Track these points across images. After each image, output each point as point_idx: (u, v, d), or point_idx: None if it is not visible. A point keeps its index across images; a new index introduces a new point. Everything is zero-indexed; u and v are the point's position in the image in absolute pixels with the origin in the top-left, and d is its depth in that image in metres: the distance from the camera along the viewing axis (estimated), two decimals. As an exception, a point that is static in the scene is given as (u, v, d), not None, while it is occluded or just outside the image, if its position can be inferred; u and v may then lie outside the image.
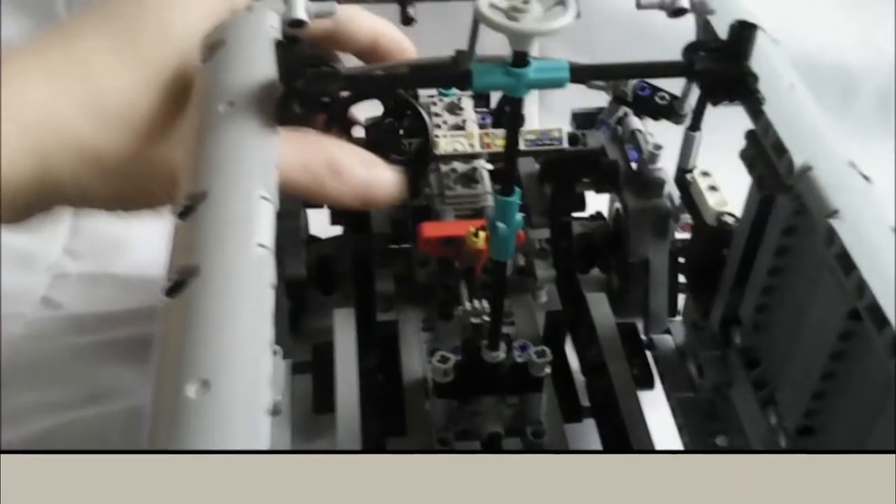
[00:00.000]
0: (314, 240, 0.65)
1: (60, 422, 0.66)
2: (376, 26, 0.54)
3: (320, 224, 0.65)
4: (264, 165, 0.37)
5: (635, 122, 0.62)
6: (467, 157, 0.59)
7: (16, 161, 0.42)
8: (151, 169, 0.46)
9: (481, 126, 0.61)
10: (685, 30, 0.48)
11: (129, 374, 0.70)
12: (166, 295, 0.34)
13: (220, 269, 0.34)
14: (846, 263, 0.36)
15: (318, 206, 0.62)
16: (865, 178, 0.39)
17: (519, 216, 0.42)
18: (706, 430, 0.55)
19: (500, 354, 0.50)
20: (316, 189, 0.45)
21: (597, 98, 0.63)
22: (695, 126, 0.55)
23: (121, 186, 0.46)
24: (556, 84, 0.38)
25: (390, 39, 0.55)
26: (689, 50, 0.41)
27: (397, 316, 0.60)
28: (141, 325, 0.73)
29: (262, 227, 0.35)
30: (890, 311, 0.34)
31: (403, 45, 0.55)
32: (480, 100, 0.64)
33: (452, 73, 0.40)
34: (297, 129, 0.42)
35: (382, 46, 0.54)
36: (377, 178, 0.47)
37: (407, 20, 0.45)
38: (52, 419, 0.66)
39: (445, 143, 0.58)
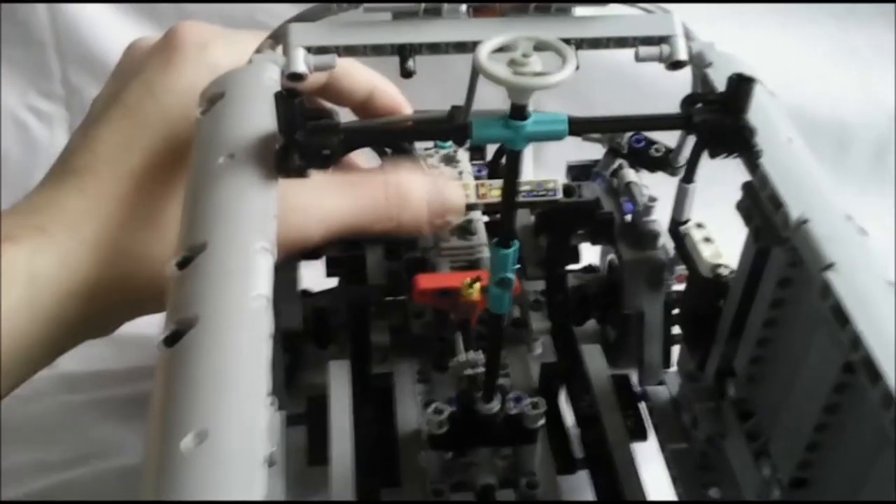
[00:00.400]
0: (307, 293, 0.65)
1: (57, 481, 0.66)
2: (373, 80, 0.55)
3: (314, 276, 0.66)
4: (263, 217, 0.38)
5: (630, 174, 0.63)
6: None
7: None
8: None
9: (477, 178, 0.61)
10: (679, 81, 0.49)
11: (123, 432, 0.70)
12: (164, 345, 0.34)
13: (218, 319, 0.34)
14: (841, 317, 0.36)
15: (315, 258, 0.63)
16: (862, 231, 0.39)
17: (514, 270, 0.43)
18: (700, 482, 0.54)
19: (495, 406, 0.50)
20: (388, 225, 0.46)
21: (592, 150, 0.64)
22: (689, 178, 0.55)
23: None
24: (555, 137, 0.38)
25: (386, 94, 0.55)
26: (687, 102, 0.41)
27: (392, 367, 0.60)
28: (135, 384, 0.74)
29: (261, 278, 0.35)
30: (884, 366, 0.34)
31: (399, 100, 0.56)
32: (476, 151, 0.65)
33: (451, 126, 0.40)
34: (330, 176, 0.43)
35: (378, 101, 0.55)
36: (442, 190, 0.48)
37: (406, 73, 0.45)
38: (48, 479, 0.66)
39: (441, 194, 0.58)
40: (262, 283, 0.35)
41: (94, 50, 0.91)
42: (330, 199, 0.45)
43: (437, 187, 0.49)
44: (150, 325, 0.76)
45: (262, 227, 0.37)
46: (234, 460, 0.29)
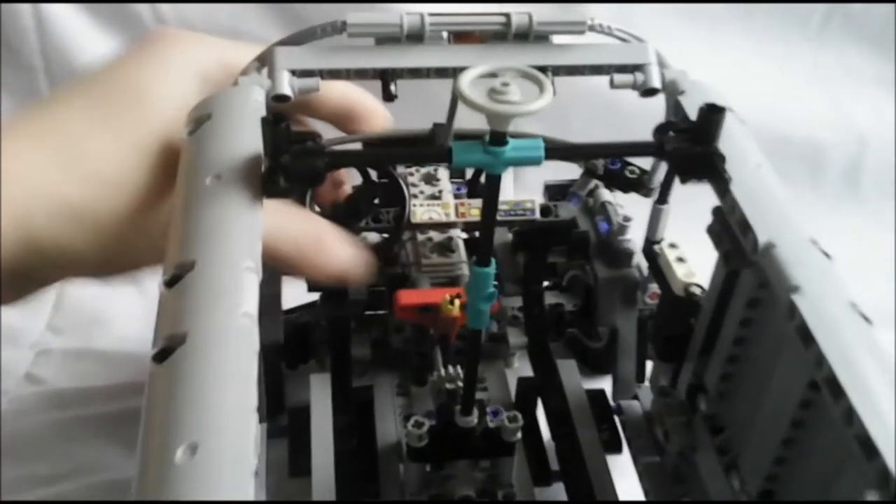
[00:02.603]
0: (288, 310, 0.66)
1: (45, 495, 0.67)
2: (346, 91, 0.56)
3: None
4: (250, 237, 0.39)
5: (605, 194, 0.64)
6: (443, 227, 0.60)
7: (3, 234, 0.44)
8: (141, 233, 0.47)
9: (456, 196, 0.63)
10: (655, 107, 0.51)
11: (111, 448, 0.71)
12: (154, 361, 0.35)
13: (207, 336, 0.35)
14: (806, 336, 0.38)
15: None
16: (826, 255, 0.41)
17: (492, 288, 0.44)
18: (672, 494, 0.56)
19: (473, 420, 0.51)
20: (300, 263, 0.47)
21: (569, 171, 0.66)
22: (662, 199, 0.57)
23: (109, 248, 0.47)
24: (532, 162, 0.39)
25: (359, 104, 0.56)
26: (660, 131, 0.42)
27: (372, 381, 0.61)
28: (123, 401, 0.75)
29: (248, 296, 0.36)
30: (845, 383, 0.36)
31: (375, 109, 0.56)
32: (456, 171, 0.66)
33: (433, 150, 0.41)
34: (285, 203, 0.44)
35: (353, 112, 0.56)
36: (358, 258, 0.49)
37: (389, 97, 0.47)
38: (36, 493, 0.67)
39: (422, 212, 0.60)
40: (249, 301, 0.36)
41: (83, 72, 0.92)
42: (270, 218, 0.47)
43: (356, 253, 0.50)
44: (136, 343, 0.78)
45: (248, 246, 0.38)
46: (224, 472, 0.30)
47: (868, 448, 0.34)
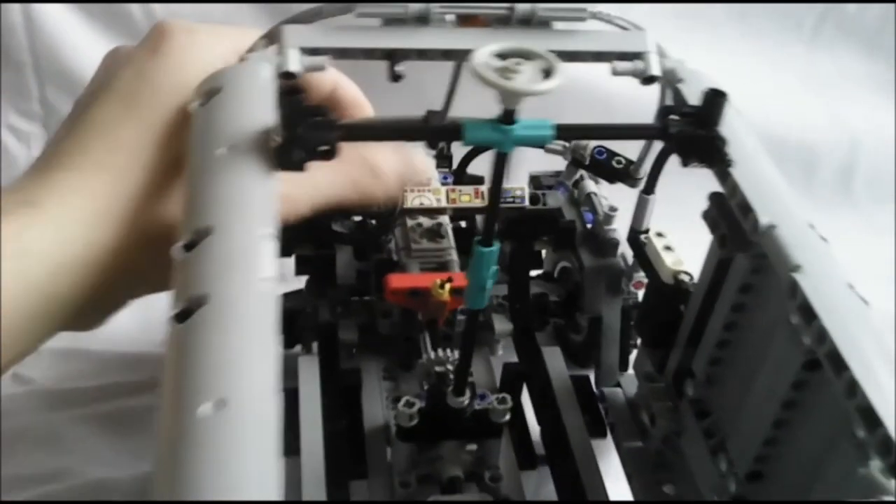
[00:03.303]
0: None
1: (35, 495, 0.66)
2: (336, 78, 0.56)
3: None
4: (266, 204, 0.39)
5: (591, 184, 0.65)
6: (433, 212, 0.61)
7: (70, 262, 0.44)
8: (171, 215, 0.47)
9: (443, 184, 0.63)
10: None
11: (102, 448, 0.71)
12: (175, 321, 0.35)
13: (229, 297, 0.35)
14: (808, 313, 0.39)
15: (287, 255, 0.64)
16: (823, 238, 0.42)
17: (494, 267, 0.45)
18: (654, 479, 0.57)
19: (465, 400, 0.52)
20: (364, 199, 0.48)
21: (555, 163, 0.67)
22: (649, 189, 0.58)
23: (147, 242, 0.47)
24: (541, 141, 0.40)
25: (348, 92, 0.57)
26: (663, 114, 0.44)
27: (360, 364, 0.62)
28: (112, 401, 0.74)
29: (267, 261, 0.37)
30: (848, 357, 0.37)
31: (360, 99, 0.57)
32: (443, 159, 0.67)
33: (445, 126, 0.42)
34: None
35: (341, 99, 0.56)
36: (410, 159, 0.51)
37: (395, 77, 0.47)
38: (27, 493, 0.66)
39: (412, 197, 0.60)
40: (268, 266, 0.36)
41: (72, 69, 0.93)
42: (319, 175, 0.47)
43: (404, 157, 0.51)
44: (126, 343, 0.77)
45: (265, 213, 0.39)
46: (253, 427, 0.31)
47: (871, 418, 0.35)
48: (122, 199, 0.46)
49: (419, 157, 0.52)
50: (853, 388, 0.36)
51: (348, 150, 0.42)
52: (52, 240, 0.44)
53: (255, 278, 0.36)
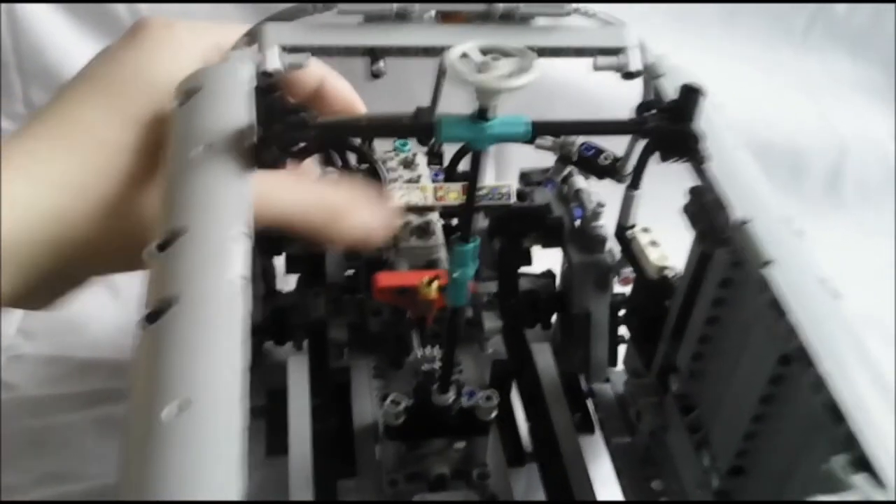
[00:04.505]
0: (270, 293, 0.66)
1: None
2: (323, 73, 0.56)
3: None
4: (240, 203, 0.39)
5: (580, 181, 0.65)
6: (421, 210, 0.61)
7: (35, 228, 0.44)
8: (147, 209, 0.47)
9: (434, 181, 0.63)
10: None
11: (86, 455, 0.70)
12: (145, 322, 0.35)
13: (198, 297, 0.35)
14: (777, 309, 0.39)
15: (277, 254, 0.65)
16: (799, 232, 0.42)
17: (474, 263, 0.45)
18: (642, 474, 0.57)
19: (450, 398, 0.52)
20: (317, 235, 0.48)
21: (544, 159, 0.67)
22: (635, 185, 0.58)
23: (120, 228, 0.47)
24: (518, 138, 0.40)
25: (336, 86, 0.57)
26: (640, 110, 0.44)
27: (349, 363, 0.62)
28: (96, 407, 0.74)
29: (239, 260, 0.37)
30: (815, 353, 0.37)
31: (349, 94, 0.57)
32: (434, 156, 0.67)
33: (419, 124, 0.42)
34: (296, 174, 0.44)
35: (328, 94, 0.56)
36: (375, 223, 0.50)
37: (376, 74, 0.47)
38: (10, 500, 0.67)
39: (400, 195, 0.60)
40: (239, 265, 0.37)
41: (57, 69, 0.93)
42: (283, 189, 0.47)
43: (372, 217, 0.51)
44: (110, 349, 0.78)
45: (239, 213, 0.39)
46: (216, 428, 0.31)
47: (835, 414, 0.35)
48: (83, 175, 0.46)
49: (383, 214, 0.51)
50: (819, 384, 0.36)
51: (312, 185, 0.42)
52: (28, 195, 0.44)
53: (225, 278, 0.36)
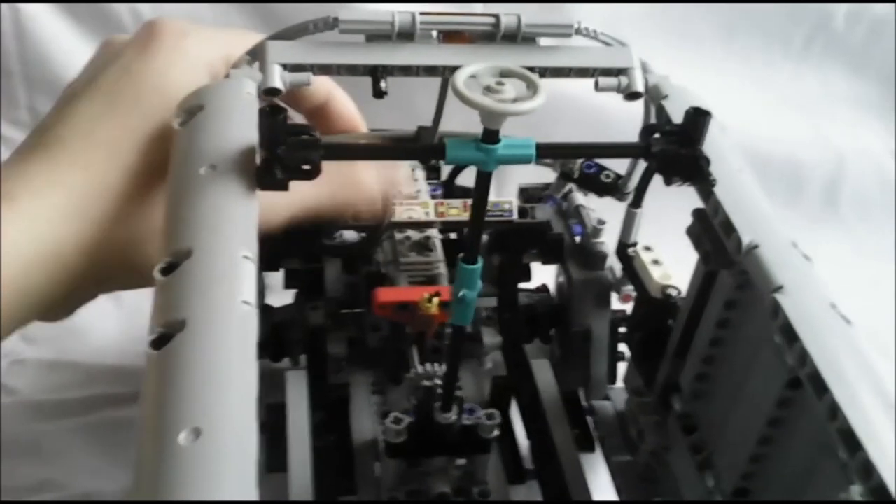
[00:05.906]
0: (267, 308, 0.66)
1: None
2: (329, 88, 0.56)
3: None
4: (246, 226, 0.39)
5: (579, 197, 0.65)
6: (422, 226, 0.61)
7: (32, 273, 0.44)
8: (150, 224, 0.47)
9: (432, 196, 0.63)
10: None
11: (88, 459, 0.70)
12: (152, 347, 0.35)
13: (207, 322, 0.35)
14: (790, 335, 0.39)
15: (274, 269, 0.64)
16: (806, 257, 0.42)
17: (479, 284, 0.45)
18: (643, 492, 0.57)
19: (452, 416, 0.52)
20: (343, 210, 0.50)
21: (545, 176, 0.67)
22: (636, 203, 0.58)
23: (122, 243, 0.47)
24: (524, 160, 0.40)
25: (342, 103, 0.57)
26: (646, 133, 0.43)
27: (348, 379, 0.62)
28: (98, 413, 0.74)
29: (247, 284, 0.36)
30: (829, 379, 0.37)
31: (353, 113, 0.57)
32: (432, 171, 0.67)
33: (427, 146, 0.42)
34: None
35: (334, 109, 0.56)
36: (391, 174, 0.52)
37: (379, 94, 0.47)
38: None
39: (400, 210, 0.60)
40: (247, 289, 0.36)
41: (62, 77, 0.91)
42: (296, 185, 0.47)
43: (386, 171, 0.51)
44: (112, 354, 0.77)
45: (245, 235, 0.38)
46: (230, 457, 0.31)
47: (851, 442, 0.35)
48: (96, 197, 0.46)
49: (402, 170, 0.51)
50: (834, 410, 0.36)
51: (330, 165, 0.42)
52: (26, 235, 0.44)
53: (233, 303, 0.36)
